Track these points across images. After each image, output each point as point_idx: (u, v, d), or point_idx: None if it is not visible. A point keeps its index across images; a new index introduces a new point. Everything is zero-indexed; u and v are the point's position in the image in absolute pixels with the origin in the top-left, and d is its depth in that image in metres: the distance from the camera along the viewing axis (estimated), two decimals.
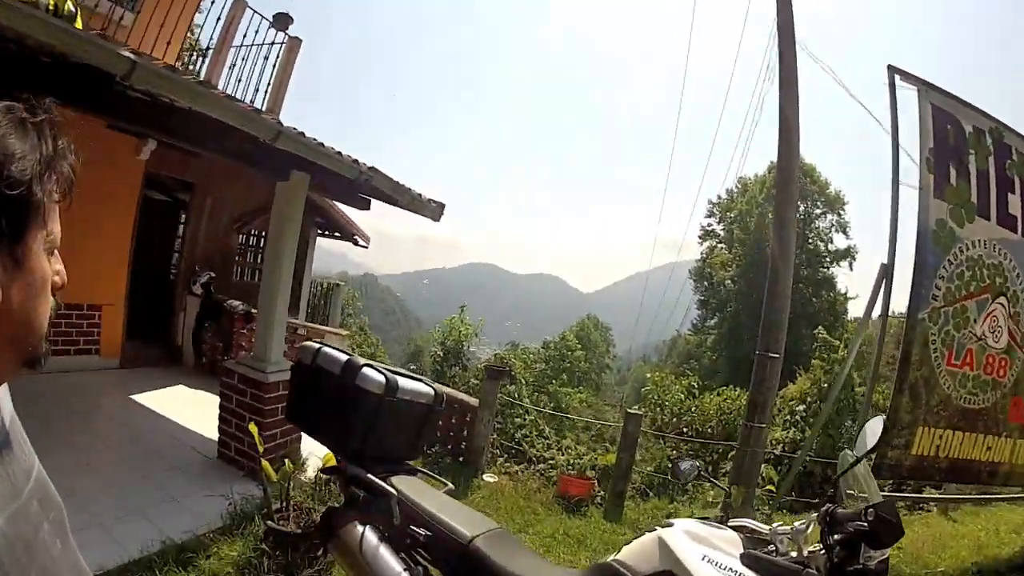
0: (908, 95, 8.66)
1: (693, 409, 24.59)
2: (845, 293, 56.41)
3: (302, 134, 7.22)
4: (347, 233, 19.44)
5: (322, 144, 7.47)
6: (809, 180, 56.48)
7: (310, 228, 18.55)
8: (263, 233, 16.59)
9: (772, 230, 12.05)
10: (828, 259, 57.51)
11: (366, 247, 20.64)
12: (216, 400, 9.11)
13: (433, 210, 10.14)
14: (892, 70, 8.84)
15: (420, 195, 9.63)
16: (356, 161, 8.04)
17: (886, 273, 8.90)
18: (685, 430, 23.28)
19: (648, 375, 26.80)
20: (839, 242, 57.67)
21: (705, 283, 62.64)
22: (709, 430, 23.51)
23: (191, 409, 10.63)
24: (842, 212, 57.77)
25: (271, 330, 8.95)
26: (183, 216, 15.15)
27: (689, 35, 19.39)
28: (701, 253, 64.33)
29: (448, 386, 23.44)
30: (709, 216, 64.32)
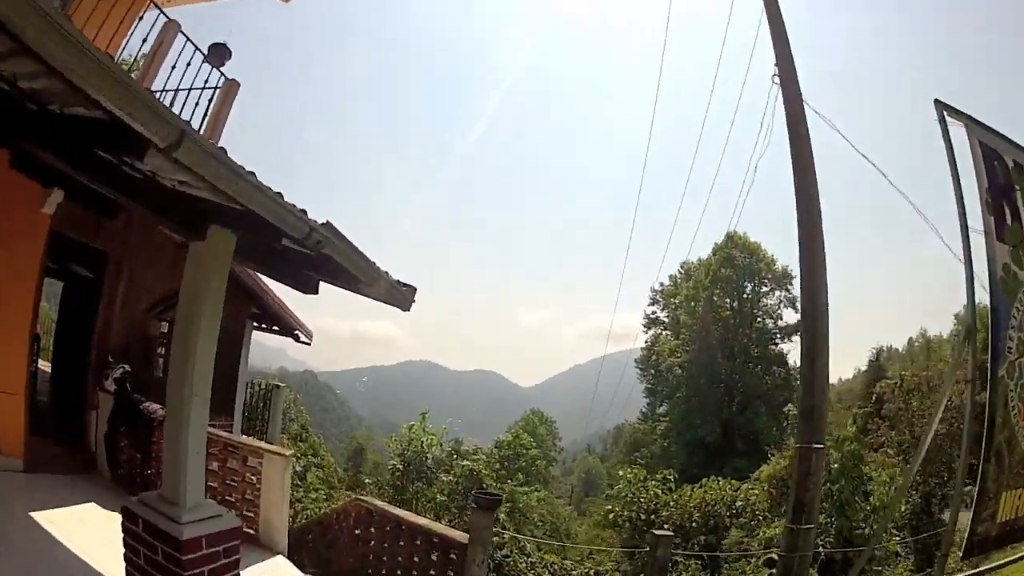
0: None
1: (671, 504, 24.23)
2: (797, 368, 53.97)
3: (224, 151, 4.38)
4: (287, 327, 16.80)
5: (253, 175, 4.66)
6: (756, 258, 56.75)
7: (244, 318, 15.92)
8: None
9: (802, 302, 11.39)
10: (778, 335, 57.16)
11: (308, 343, 18.03)
12: None
13: (404, 295, 7.45)
14: (940, 106, 8.41)
15: (387, 274, 6.92)
16: (303, 212, 5.32)
17: (969, 333, 8.79)
18: (665, 526, 22.37)
19: (622, 473, 26.85)
20: (788, 317, 57.34)
21: (652, 371, 62.05)
22: (693, 524, 23.61)
23: (102, 543, 7.99)
24: (790, 287, 57.06)
25: (184, 454, 6.28)
26: (95, 293, 12.50)
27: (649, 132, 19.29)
28: (645, 341, 63.88)
29: (411, 507, 21.43)
30: (652, 304, 64.35)
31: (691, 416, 54.84)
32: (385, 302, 7.58)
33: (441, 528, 10.82)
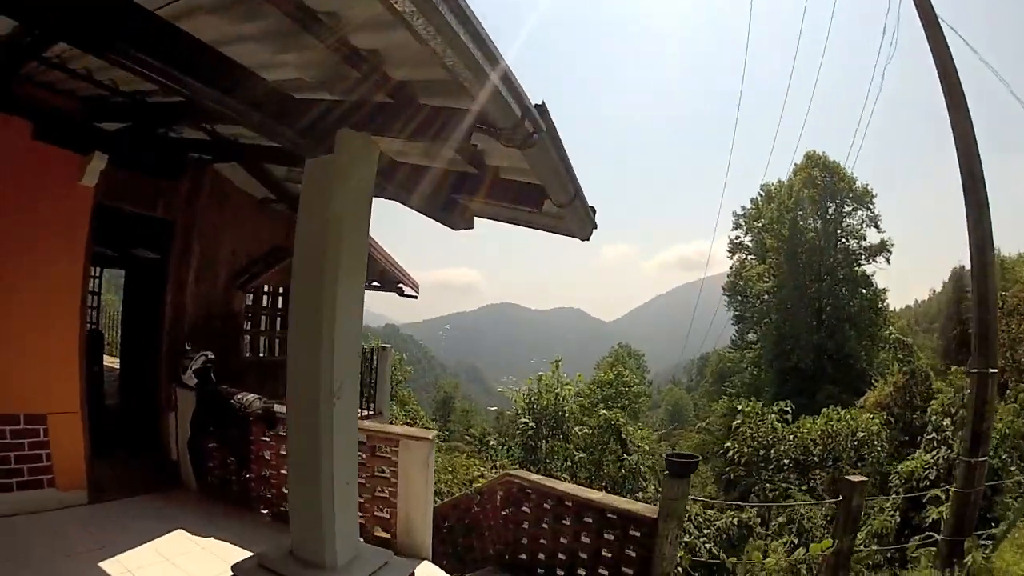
0: None
1: (791, 437, 21.74)
2: (884, 289, 53.02)
3: None
4: (390, 280, 14.15)
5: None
6: (837, 177, 53.13)
7: None
8: (281, 289, 11.86)
9: (968, 209, 10.31)
10: (863, 256, 53.46)
11: (415, 296, 15.71)
12: (237, 552, 6.06)
13: (590, 219, 6.04)
14: None
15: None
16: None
17: None
18: (786, 462, 21.14)
19: (740, 407, 23.46)
20: (871, 237, 53.86)
21: (739, 297, 58.78)
22: (814, 459, 21.43)
23: None
24: (871, 206, 53.61)
25: (325, 492, 4.72)
26: (161, 272, 10.04)
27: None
28: (731, 267, 60.70)
29: (546, 468, 19.24)
30: (736, 228, 60.89)
31: (782, 342, 51.79)
32: (564, 232, 6.44)
33: (619, 501, 8.36)
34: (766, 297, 55.32)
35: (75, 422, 7.95)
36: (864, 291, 51.91)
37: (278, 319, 12.06)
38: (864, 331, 49.37)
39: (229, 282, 10.57)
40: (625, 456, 19.73)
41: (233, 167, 9.81)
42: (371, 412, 14.39)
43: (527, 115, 3.72)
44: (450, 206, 6.28)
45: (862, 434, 22.10)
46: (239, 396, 8.60)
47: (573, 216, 5.66)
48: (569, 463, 19.36)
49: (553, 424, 20.21)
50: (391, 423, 16.10)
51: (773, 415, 22.73)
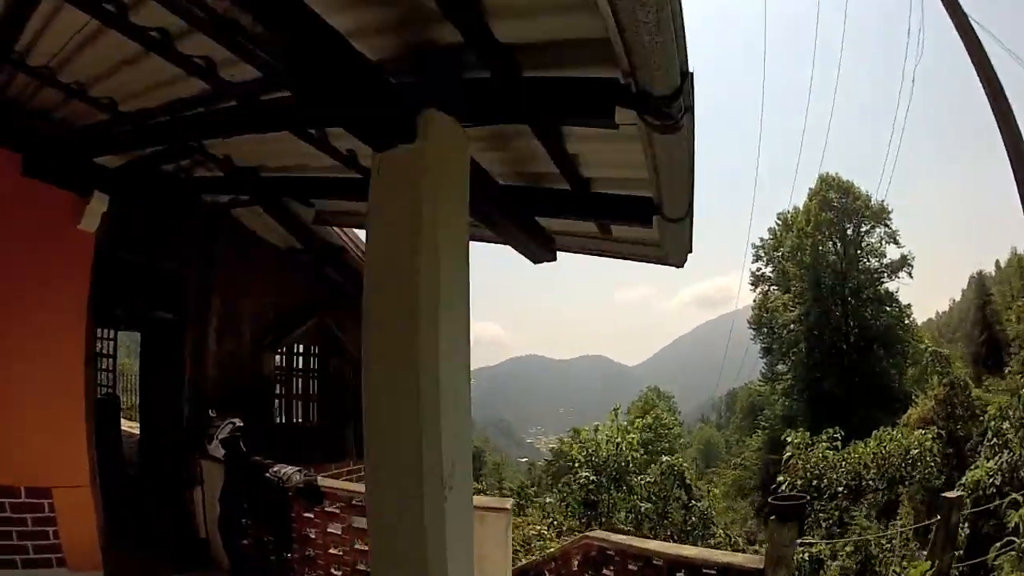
0: None
1: (840, 464, 21.02)
2: (909, 304, 51.92)
3: None
4: None
5: None
6: (852, 197, 52.17)
7: None
8: (315, 348, 10.64)
9: None
10: (885, 273, 52.14)
11: None
12: None
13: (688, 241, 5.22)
14: None
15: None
16: None
17: None
18: (840, 490, 20.51)
19: (788, 439, 22.99)
20: (891, 253, 52.49)
21: (765, 329, 57.05)
22: (868, 481, 20.97)
23: None
24: (889, 222, 52.12)
25: None
26: (178, 333, 8.84)
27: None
28: (754, 300, 59.25)
29: (609, 523, 17.82)
30: (756, 260, 59.60)
31: (812, 370, 50.12)
32: (657, 258, 5.69)
33: (717, 555, 7.23)
34: (792, 327, 53.59)
35: (84, 497, 6.81)
36: (889, 308, 50.57)
37: (313, 381, 10.84)
38: (893, 349, 48.12)
39: (256, 341, 9.36)
40: (693, 503, 18.41)
41: (255, 214, 8.65)
42: None
43: (686, 82, 2.77)
44: (533, 231, 5.04)
45: (915, 451, 21.33)
46: (275, 469, 7.36)
47: (679, 234, 4.84)
48: (633, 515, 18.01)
49: (616, 476, 18.80)
50: None
51: (824, 443, 21.90)
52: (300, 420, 10.66)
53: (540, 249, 5.63)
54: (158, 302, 8.72)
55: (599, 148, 4.20)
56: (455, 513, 3.34)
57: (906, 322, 50.85)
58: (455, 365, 3.48)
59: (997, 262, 63.34)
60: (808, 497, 11.04)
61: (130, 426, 12.90)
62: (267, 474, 7.32)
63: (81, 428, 6.72)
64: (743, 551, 17.14)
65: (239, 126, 4.81)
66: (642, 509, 17.93)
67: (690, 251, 5.26)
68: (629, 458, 19.48)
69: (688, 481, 19.54)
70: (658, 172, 3.67)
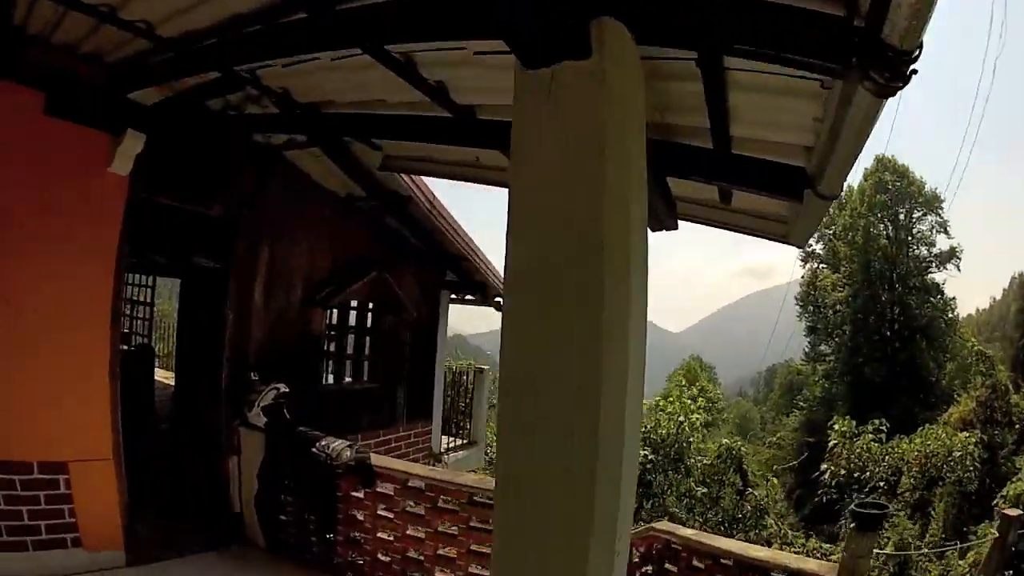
0: None
1: (883, 458, 20.83)
2: (952, 298, 50.22)
3: None
4: (490, 292, 11.84)
5: None
6: (907, 181, 50.60)
7: (439, 288, 11.44)
8: (368, 306, 9.69)
9: None
10: (934, 263, 50.56)
11: None
12: None
13: None
14: None
15: None
16: None
17: None
18: (880, 484, 20.12)
19: (835, 426, 22.00)
20: (940, 243, 50.86)
21: (811, 307, 55.30)
22: (911, 480, 20.77)
23: None
24: (940, 211, 50.55)
25: None
26: (221, 285, 7.75)
27: None
28: (803, 277, 57.11)
29: (661, 504, 17.06)
30: None
31: (856, 354, 48.58)
32: (783, 236, 5.00)
33: (790, 559, 6.42)
34: (839, 307, 52.01)
35: (106, 471, 6.13)
36: (934, 300, 49.14)
37: (365, 340, 9.91)
38: (935, 342, 46.90)
39: (307, 297, 8.40)
40: (749, 490, 17.35)
41: (312, 157, 7.70)
42: (466, 441, 12.72)
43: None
44: (663, 191, 4.37)
45: (958, 453, 20.81)
46: (323, 443, 6.54)
47: (818, 213, 4.35)
48: (687, 499, 16.97)
49: (676, 456, 17.66)
50: (487, 454, 14.04)
51: (869, 434, 21.15)
52: (350, 381, 9.75)
53: (666, 214, 4.73)
54: (200, 248, 7.77)
55: (763, 103, 3.35)
56: None
57: (950, 316, 49.54)
58: (638, 380, 2.56)
59: None
60: (889, 507, 10.10)
61: (165, 376, 12.24)
62: (314, 448, 6.47)
63: (105, 395, 5.99)
64: (791, 545, 16.39)
65: (309, 43, 3.86)
66: (697, 494, 16.90)
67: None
68: (693, 439, 18.25)
69: (745, 466, 18.57)
70: (835, 139, 2.96)
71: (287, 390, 7.06)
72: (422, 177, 8.35)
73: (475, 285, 11.68)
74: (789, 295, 61.38)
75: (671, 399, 19.07)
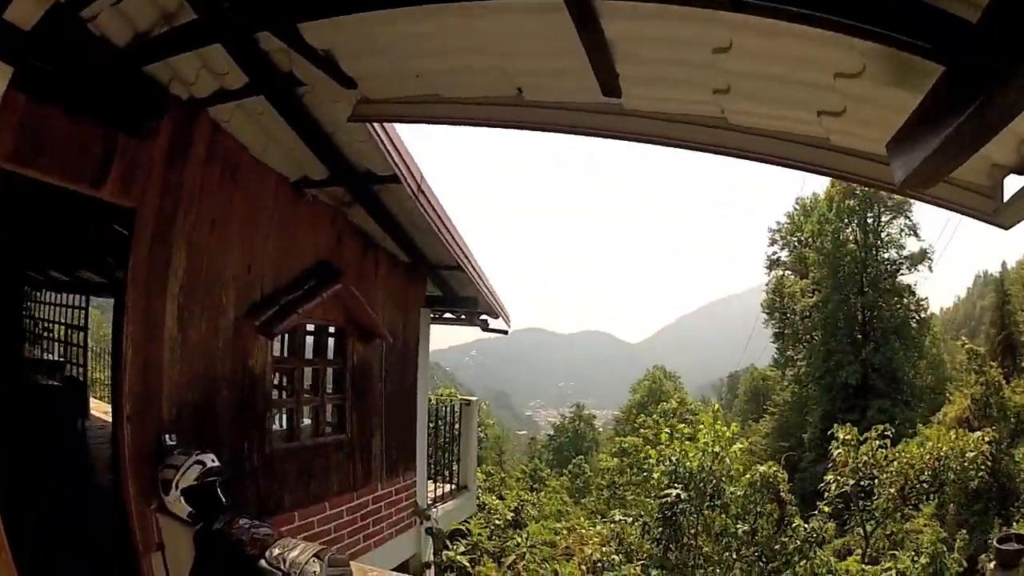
0: None
1: (892, 464, 18.73)
2: (924, 298, 50.88)
3: None
4: (487, 310, 9.84)
5: None
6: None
7: (419, 305, 8.93)
8: (331, 330, 7.15)
9: None
10: (904, 265, 50.54)
11: (506, 332, 11.25)
12: None
13: None
14: None
15: None
16: None
17: None
18: (892, 491, 18.28)
19: (838, 433, 19.80)
20: (911, 245, 51.11)
21: (778, 314, 55.95)
22: (921, 484, 19.02)
23: None
24: (910, 214, 50.49)
25: None
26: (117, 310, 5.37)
27: None
28: (768, 284, 58.08)
29: (691, 546, 14.97)
30: (772, 244, 58.48)
31: (828, 358, 48.68)
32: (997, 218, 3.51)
33: None
34: (810, 313, 52.26)
35: None
36: (906, 301, 49.35)
37: (330, 375, 7.21)
38: (910, 342, 47.39)
39: (245, 320, 5.68)
40: (789, 521, 15.13)
41: (250, 117, 5.22)
42: (454, 486, 10.54)
43: None
44: None
45: (971, 453, 19.67)
46: (277, 552, 3.94)
47: None
48: (724, 539, 14.67)
49: (712, 493, 15.32)
50: (479, 500, 11.73)
51: (875, 440, 19.13)
52: (310, 433, 6.90)
53: None
54: (98, 250, 5.18)
55: None
56: None
57: (922, 316, 49.91)
58: None
59: (1004, 263, 62.35)
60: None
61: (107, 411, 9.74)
62: (264, 562, 3.97)
63: None
64: None
65: None
66: (738, 531, 14.64)
67: None
68: (732, 470, 15.88)
69: (783, 493, 16.40)
70: None
71: (216, 464, 4.59)
72: (410, 156, 5.81)
73: (464, 301, 9.43)
74: (748, 303, 62.45)
75: (702, 428, 16.72)
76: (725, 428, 15.96)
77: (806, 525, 15.17)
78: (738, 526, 14.75)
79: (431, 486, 9.66)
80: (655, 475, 15.98)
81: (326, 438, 6.87)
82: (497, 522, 15.68)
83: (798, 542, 14.45)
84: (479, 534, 12.53)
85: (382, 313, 7.49)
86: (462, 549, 11.21)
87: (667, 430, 17.72)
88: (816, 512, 17.76)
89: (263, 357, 5.84)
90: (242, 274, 5.62)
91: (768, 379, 62.56)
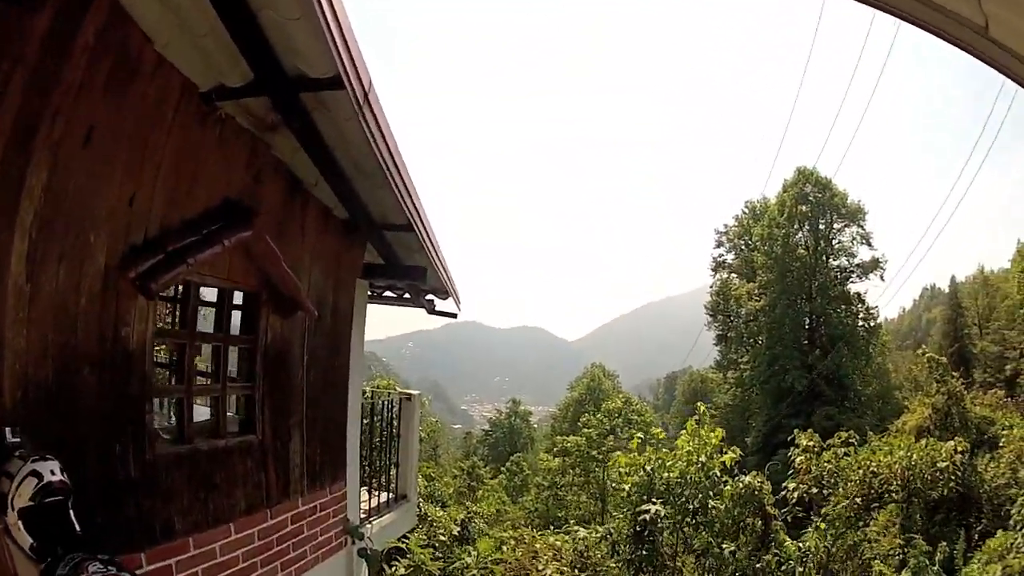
0: None
1: (857, 472, 18.15)
2: (874, 307, 52.39)
3: None
4: (438, 289, 8.62)
5: None
6: (830, 194, 51.82)
7: (354, 275, 7.23)
8: (238, 294, 5.39)
9: None
10: (856, 273, 52.62)
11: (455, 315, 10.06)
12: None
13: None
14: None
15: None
16: None
17: None
18: (858, 500, 17.62)
19: (800, 440, 19.32)
20: (862, 254, 53.04)
21: (721, 316, 57.80)
22: (892, 493, 18.52)
23: None
24: (863, 224, 52.28)
25: None
26: None
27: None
28: (712, 285, 59.46)
29: (668, 567, 14.23)
30: (718, 246, 60.01)
31: (774, 362, 49.71)
32: None
33: None
34: (756, 317, 53.17)
35: None
36: (855, 308, 50.83)
37: (226, 355, 5.29)
38: (859, 350, 48.63)
39: (118, 270, 4.00)
40: (774, 537, 14.00)
41: None
42: (392, 496, 9.04)
43: None
44: None
45: (943, 464, 19.13)
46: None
47: None
48: (707, 558, 13.44)
49: (697, 508, 14.05)
50: (420, 509, 10.20)
51: (838, 447, 18.96)
52: (207, 433, 5.02)
53: None
54: None
55: None
56: None
57: (871, 324, 51.31)
58: None
59: (953, 277, 64.18)
60: None
61: None
62: None
63: None
64: None
65: None
66: (724, 553, 13.42)
67: None
68: (723, 485, 14.65)
69: (767, 507, 15.42)
70: None
71: (59, 478, 3.01)
72: (358, 50, 3.97)
73: (409, 272, 7.64)
74: (689, 304, 63.73)
75: (685, 435, 15.45)
76: (710, 434, 14.71)
77: (800, 544, 14.19)
78: (727, 546, 13.52)
79: (364, 495, 8.15)
80: (625, 486, 14.67)
81: (230, 440, 5.09)
82: (442, 537, 14.12)
83: (791, 563, 13.38)
84: (421, 553, 10.99)
85: (308, 280, 5.87)
86: (402, 572, 9.79)
87: (639, 435, 16.56)
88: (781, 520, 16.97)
89: (143, 325, 4.15)
90: (122, 208, 3.97)
91: (707, 381, 63.84)
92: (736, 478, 15.25)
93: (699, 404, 17.44)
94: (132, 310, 4.10)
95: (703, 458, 14.12)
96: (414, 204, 5.72)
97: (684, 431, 15.64)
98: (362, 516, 7.61)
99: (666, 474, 14.02)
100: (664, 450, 15.13)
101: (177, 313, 5.10)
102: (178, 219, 4.34)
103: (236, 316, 5.33)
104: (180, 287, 4.87)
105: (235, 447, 5.11)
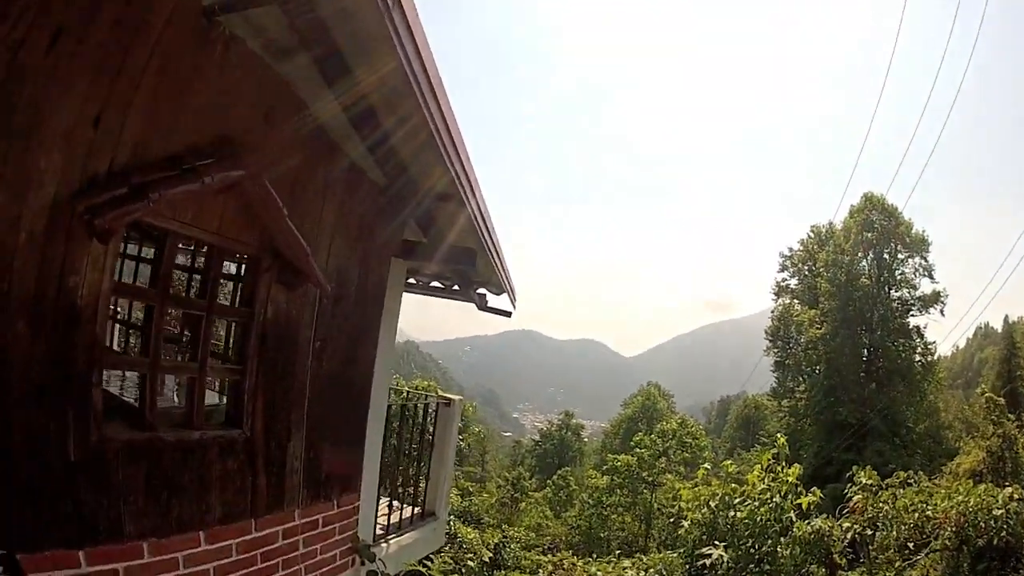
0: None
1: (913, 515, 16.26)
2: (932, 342, 49.45)
3: None
4: (488, 279, 7.51)
5: None
6: (895, 221, 49.14)
7: (387, 260, 6.07)
8: (215, 251, 4.28)
9: None
10: (916, 307, 49.38)
11: (509, 314, 8.94)
12: None
13: None
14: None
15: None
16: None
17: None
18: (910, 544, 16.19)
19: (860, 477, 17.16)
20: (924, 287, 50.11)
21: (780, 342, 54.60)
22: (946, 541, 16.17)
23: None
24: (926, 255, 49.52)
25: None
26: None
27: None
28: (773, 310, 56.55)
29: None
30: (782, 270, 56.73)
31: (831, 394, 47.32)
32: None
33: None
34: (815, 344, 50.34)
35: None
36: (914, 343, 48.10)
37: (205, 327, 4.14)
38: (914, 386, 46.26)
39: (67, 201, 3.04)
40: None
41: None
42: (418, 512, 7.79)
43: None
44: None
45: (999, 511, 16.79)
46: None
47: None
48: None
49: (767, 553, 12.45)
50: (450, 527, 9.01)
51: (896, 487, 17.37)
52: (178, 422, 4.09)
53: None
54: None
55: None
56: None
57: (929, 360, 48.51)
58: None
59: (1007, 316, 62.04)
60: None
61: None
62: None
63: None
64: None
65: None
66: None
67: None
68: (787, 525, 12.95)
69: (833, 553, 13.71)
70: None
71: None
72: None
73: (458, 255, 6.49)
74: (749, 328, 61.37)
75: (757, 472, 13.64)
76: (787, 470, 13.12)
77: None
78: None
79: (385, 509, 7.18)
80: (685, 523, 13.28)
81: (206, 433, 4.08)
82: (470, 563, 12.56)
83: None
84: None
85: (327, 248, 4.86)
86: None
87: (706, 466, 15.13)
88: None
89: (97, 275, 3.24)
90: (84, 128, 3.08)
91: (761, 407, 61.89)
92: (807, 521, 13.58)
93: (779, 436, 15.69)
94: (83, 255, 3.18)
95: (777, 498, 12.56)
96: (463, 166, 4.61)
97: (757, 464, 13.92)
98: (378, 533, 6.63)
99: (733, 513, 12.49)
100: (732, 485, 13.49)
101: (138, 262, 4.10)
102: (156, 151, 3.40)
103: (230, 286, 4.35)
104: (145, 233, 3.88)
105: (212, 441, 4.11)
